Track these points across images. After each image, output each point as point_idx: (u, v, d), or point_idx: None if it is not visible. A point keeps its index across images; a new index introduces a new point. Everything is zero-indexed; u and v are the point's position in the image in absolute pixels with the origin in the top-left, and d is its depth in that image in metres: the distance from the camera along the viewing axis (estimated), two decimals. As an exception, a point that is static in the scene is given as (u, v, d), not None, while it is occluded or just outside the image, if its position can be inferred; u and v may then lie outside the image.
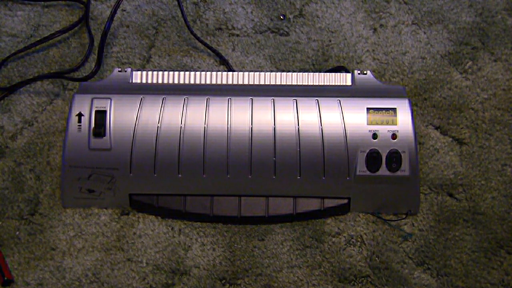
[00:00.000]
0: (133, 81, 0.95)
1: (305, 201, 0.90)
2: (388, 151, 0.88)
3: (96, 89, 0.93)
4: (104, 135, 0.89)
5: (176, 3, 1.08)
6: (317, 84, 0.95)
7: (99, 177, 0.89)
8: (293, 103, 0.91)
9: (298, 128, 0.89)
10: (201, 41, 1.06)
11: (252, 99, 0.91)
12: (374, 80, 0.95)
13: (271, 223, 0.90)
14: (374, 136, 0.89)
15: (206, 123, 0.89)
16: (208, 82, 0.95)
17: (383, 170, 0.88)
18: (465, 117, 0.99)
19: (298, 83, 0.95)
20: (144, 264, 0.86)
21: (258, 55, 1.07)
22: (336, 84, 0.95)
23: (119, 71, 0.96)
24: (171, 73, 0.95)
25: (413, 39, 1.08)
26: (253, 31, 1.09)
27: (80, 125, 0.89)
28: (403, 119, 0.89)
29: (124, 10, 1.12)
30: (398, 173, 0.88)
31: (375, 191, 0.89)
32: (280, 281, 0.85)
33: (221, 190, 0.90)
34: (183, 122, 0.89)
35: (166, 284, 0.85)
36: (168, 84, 0.95)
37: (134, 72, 0.95)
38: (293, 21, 1.10)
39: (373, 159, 0.88)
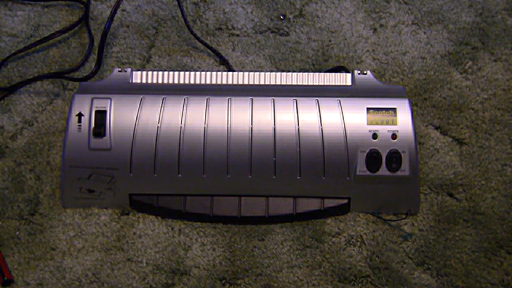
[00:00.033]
0: (133, 81, 0.95)
1: (305, 201, 0.90)
2: (388, 151, 0.88)
3: (96, 89, 0.93)
4: (104, 135, 0.89)
5: (176, 3, 1.08)
6: (317, 84, 0.95)
7: (99, 177, 0.89)
8: (293, 103, 0.91)
9: (298, 128, 0.89)
10: (201, 41, 1.06)
11: (252, 99, 0.91)
12: (374, 80, 0.95)
13: (271, 223, 0.90)
14: (374, 136, 0.89)
15: (206, 123, 0.89)
16: (208, 82, 0.95)
17: (383, 170, 0.88)
18: (465, 117, 0.99)
19: (298, 83, 0.95)
20: (144, 264, 0.86)
21: (258, 55, 1.07)
22: (336, 84, 0.95)
23: (119, 71, 0.96)
24: (171, 73, 0.95)
25: (413, 39, 1.08)
26: (253, 31, 1.09)
27: (80, 125, 0.89)
28: (403, 119, 0.89)
29: (124, 10, 1.12)
30: (398, 173, 0.88)
31: (375, 191, 0.89)
32: (280, 281, 0.85)
33: (221, 190, 0.90)
34: (183, 122, 0.89)
35: (166, 284, 0.85)
36: (168, 84, 0.95)
37: (134, 72, 0.95)
38: (293, 21, 1.10)
39: (373, 159, 0.88)
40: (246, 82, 0.95)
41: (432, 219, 0.90)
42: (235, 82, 0.95)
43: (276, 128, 0.89)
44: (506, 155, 0.96)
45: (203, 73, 0.95)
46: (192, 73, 0.95)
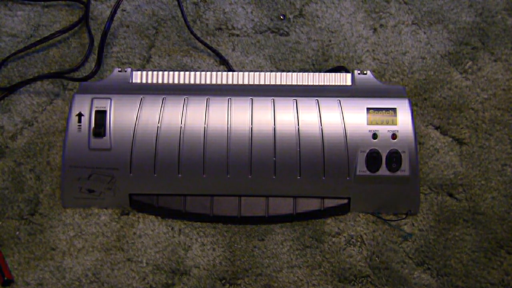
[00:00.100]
0: (133, 81, 0.95)
1: (305, 201, 0.90)
2: (388, 151, 0.88)
3: (96, 89, 0.93)
4: (104, 135, 0.89)
5: (176, 3, 1.08)
6: (317, 84, 0.95)
7: (99, 177, 0.89)
8: (293, 103, 0.91)
9: (298, 128, 0.89)
10: (201, 41, 1.06)
11: (252, 99, 0.91)
12: (374, 80, 0.95)
13: (271, 223, 0.90)
14: (374, 136, 0.89)
15: (206, 123, 0.89)
16: (208, 82, 0.95)
17: (383, 170, 0.88)
18: (465, 117, 0.99)
19: (298, 83, 0.95)
20: (144, 264, 0.86)
21: (258, 55, 1.07)
22: (336, 84, 0.95)
23: (119, 71, 0.96)
24: (171, 73, 0.95)
25: (413, 39, 1.08)
26: (253, 31, 1.09)
27: (80, 125, 0.89)
28: (403, 119, 0.89)
29: (124, 10, 1.12)
30: (398, 173, 0.88)
31: (375, 191, 0.89)
32: (280, 281, 0.85)
33: (221, 190, 0.90)
34: (183, 122, 0.89)
35: (166, 284, 0.85)
36: (168, 84, 0.95)
37: (134, 72, 0.95)
38: (293, 21, 1.10)
39: (373, 159, 0.88)
40: (246, 82, 0.95)
41: (432, 219, 0.90)
42: (235, 82, 0.95)
43: (276, 128, 0.89)
44: (506, 155, 0.96)
45: (203, 73, 0.95)
46: (192, 73, 0.95)
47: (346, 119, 0.89)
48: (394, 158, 0.88)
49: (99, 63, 1.02)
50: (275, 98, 0.91)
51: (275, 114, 0.90)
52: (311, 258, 0.87)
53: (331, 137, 0.89)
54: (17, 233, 0.89)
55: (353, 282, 0.85)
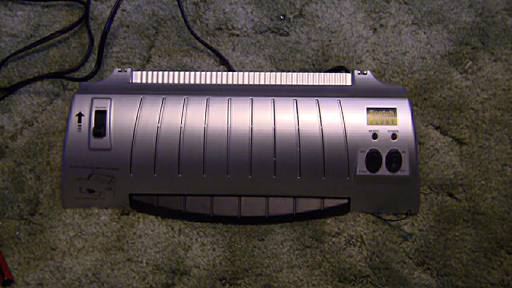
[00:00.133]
0: (133, 81, 0.95)
1: (305, 201, 0.90)
2: (388, 151, 0.88)
3: (96, 89, 0.93)
4: (104, 135, 0.89)
5: (176, 3, 1.08)
6: (317, 84, 0.95)
7: (99, 177, 0.89)
8: (293, 103, 0.91)
9: (298, 128, 0.89)
10: (201, 41, 1.06)
11: (252, 99, 0.91)
12: (374, 80, 0.95)
13: (271, 223, 0.90)
14: (374, 136, 0.89)
15: (206, 123, 0.89)
16: (208, 82, 0.95)
17: (383, 170, 0.88)
18: (465, 117, 0.99)
19: (298, 83, 0.95)
20: (144, 264, 0.86)
21: (258, 55, 1.07)
22: (336, 84, 0.95)
23: (119, 71, 0.96)
24: (171, 73, 0.95)
25: (413, 39, 1.08)
26: (253, 31, 1.09)
27: (80, 125, 0.89)
28: (403, 119, 0.89)
29: (124, 10, 1.12)
30: (398, 173, 0.88)
31: (375, 191, 0.89)
32: (280, 281, 0.85)
33: (221, 190, 0.90)
34: (183, 122, 0.89)
35: (166, 284, 0.85)
36: (168, 84, 0.95)
37: (134, 72, 0.95)
38: (293, 21, 1.10)
39: (373, 159, 0.88)
40: (246, 82, 0.95)
41: (432, 219, 0.90)
42: (235, 82, 0.95)
43: (276, 128, 0.89)
44: (506, 155, 0.96)
45: (203, 73, 0.95)
46: (192, 73, 0.95)
47: (346, 119, 0.89)
48: (394, 158, 0.88)
49: (99, 63, 1.02)
50: (275, 98, 0.91)
51: (275, 114, 0.90)
52: (311, 258, 0.87)
53: (331, 137, 0.89)
54: (17, 233, 0.89)
55: (353, 282, 0.85)
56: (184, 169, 0.89)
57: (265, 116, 0.90)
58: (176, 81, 0.95)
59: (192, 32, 1.06)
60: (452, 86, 1.02)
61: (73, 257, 0.87)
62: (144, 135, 0.89)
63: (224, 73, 0.95)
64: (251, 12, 1.11)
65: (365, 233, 0.89)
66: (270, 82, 0.95)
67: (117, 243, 0.88)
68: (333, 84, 0.95)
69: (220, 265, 0.86)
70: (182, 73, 0.95)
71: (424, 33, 1.09)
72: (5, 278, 0.84)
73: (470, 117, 0.99)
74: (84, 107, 0.90)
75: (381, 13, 1.11)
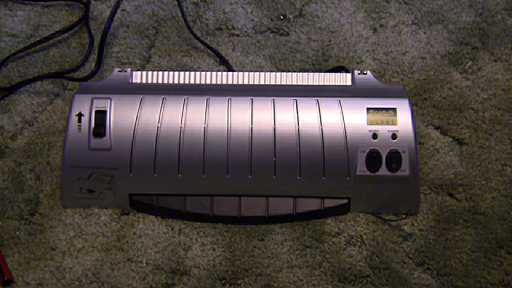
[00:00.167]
0: (133, 81, 0.95)
1: (305, 201, 0.90)
2: (388, 151, 0.88)
3: (96, 89, 0.93)
4: (104, 135, 0.89)
5: (176, 3, 1.08)
6: (317, 84, 0.95)
7: (99, 177, 0.89)
8: (293, 103, 0.91)
9: (298, 128, 0.89)
10: (201, 41, 1.06)
11: (252, 99, 0.91)
12: (374, 80, 0.95)
13: (271, 223, 0.90)
14: (374, 136, 0.89)
15: (206, 123, 0.89)
16: (208, 82, 0.95)
17: (383, 170, 0.88)
18: (465, 117, 0.99)
19: (298, 83, 0.95)
20: (144, 264, 0.86)
21: (258, 55, 1.07)
22: (336, 84, 0.95)
23: (119, 71, 0.96)
24: (171, 73, 0.95)
25: (413, 39, 1.08)
26: (253, 31, 1.09)
27: (80, 125, 0.89)
28: (403, 119, 0.89)
29: (124, 10, 1.12)
30: (398, 173, 0.88)
31: (375, 191, 0.89)
32: (280, 281, 0.85)
33: (221, 190, 0.90)
34: (183, 122, 0.89)
35: (166, 284, 0.85)
36: (168, 84, 0.95)
37: (134, 72, 0.95)
38: (293, 21, 1.10)
39: (373, 159, 0.88)
40: (246, 82, 0.95)
41: (432, 219, 0.90)
42: (235, 82, 0.95)
43: (276, 128, 0.89)
44: (506, 155, 0.96)
45: (203, 73, 0.95)
46: (192, 73, 0.95)
47: (346, 119, 0.89)
48: (394, 158, 0.88)
49: (99, 63, 1.02)
50: (275, 98, 0.91)
51: (275, 114, 0.90)
52: (311, 258, 0.87)
53: (331, 137, 0.89)
54: (17, 233, 0.89)
55: (353, 282, 0.85)
56: (184, 169, 0.89)
57: (265, 116, 0.90)
58: (176, 81, 0.95)
59: (192, 32, 1.06)
60: (452, 86, 1.02)
61: (73, 257, 0.87)
62: (144, 135, 0.89)
63: (224, 73, 0.95)
64: (251, 12, 1.11)
65: (365, 233, 0.89)
66: (270, 82, 0.95)
67: (117, 243, 0.88)
68: (333, 84, 0.95)
69: (220, 265, 0.86)
70: (182, 73, 0.95)
71: (424, 33, 1.09)
72: (5, 278, 0.84)
73: (470, 117, 0.99)
74: (84, 107, 0.90)
75: (381, 13, 1.11)
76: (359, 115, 0.90)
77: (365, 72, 0.95)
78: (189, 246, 0.88)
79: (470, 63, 1.05)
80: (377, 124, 0.89)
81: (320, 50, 1.07)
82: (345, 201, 0.90)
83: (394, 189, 0.89)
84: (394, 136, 0.89)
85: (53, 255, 0.87)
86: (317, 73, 0.96)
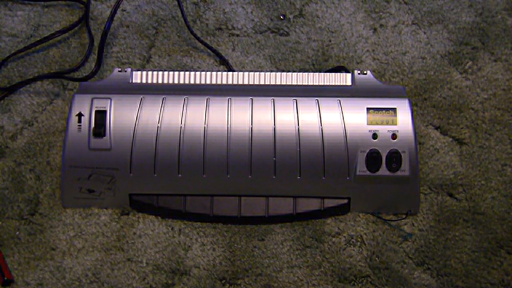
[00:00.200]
0: (133, 81, 0.95)
1: (305, 201, 0.90)
2: (388, 151, 0.88)
3: (96, 89, 0.93)
4: (104, 135, 0.89)
5: (176, 3, 1.08)
6: (317, 84, 0.95)
7: (99, 177, 0.89)
8: (293, 103, 0.91)
9: (298, 128, 0.89)
10: (201, 41, 1.06)
11: (252, 99, 0.91)
12: (374, 80, 0.95)
13: (271, 223, 0.90)
14: (374, 136, 0.89)
15: (206, 123, 0.89)
16: (208, 82, 0.95)
17: (383, 170, 0.88)
18: (465, 117, 0.99)
19: (298, 83, 0.95)
20: (144, 264, 0.86)
21: (258, 55, 1.07)
22: (336, 84, 0.95)
23: (119, 71, 0.96)
24: (171, 73, 0.95)
25: (413, 39, 1.08)
26: (253, 31, 1.09)
27: (80, 125, 0.89)
28: (403, 119, 0.89)
29: (124, 10, 1.12)
30: (398, 173, 0.88)
31: (375, 191, 0.89)
32: (280, 281, 0.85)
33: (221, 190, 0.90)
34: (183, 122, 0.89)
35: (166, 284, 0.85)
36: (168, 84, 0.95)
37: (134, 72, 0.95)
38: (293, 21, 1.10)
39: (373, 159, 0.88)
40: (246, 82, 0.95)
41: (432, 219, 0.90)
42: (235, 82, 0.95)
43: (276, 128, 0.89)
44: (506, 155, 0.96)
45: (203, 73, 0.95)
46: (192, 73, 0.95)
47: (346, 119, 0.89)
48: (394, 158, 0.88)
49: (99, 63, 1.02)
50: (275, 98, 0.91)
51: (275, 114, 0.90)
52: (311, 258, 0.87)
53: (331, 137, 0.89)
54: (17, 233, 0.89)
55: (353, 282, 0.85)
56: (184, 169, 0.89)
57: (265, 116, 0.90)
58: (176, 81, 0.95)
59: (192, 32, 1.06)
60: (452, 86, 1.02)
61: (73, 257, 0.87)
62: (144, 135, 0.89)
63: (224, 73, 0.95)
64: (251, 12, 1.11)
65: (365, 233, 0.89)
66: (270, 82, 0.95)
67: (117, 243, 0.88)
68: (333, 84, 0.95)
69: (220, 265, 0.86)
70: (182, 73, 0.95)
71: (424, 33, 1.09)
72: (5, 278, 0.84)
73: (470, 117, 0.99)
74: (84, 107, 0.90)
75: (381, 13, 1.11)
76: (359, 115, 0.90)
77: (365, 72, 0.95)
78: (189, 246, 0.88)
79: (470, 63, 1.05)
80: (377, 124, 0.89)
81: (320, 50, 1.07)
82: (345, 201, 0.90)
83: (394, 189, 0.89)
84: (394, 136, 0.89)
85: (53, 255, 0.87)
86: (317, 73, 0.96)
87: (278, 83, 0.95)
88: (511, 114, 1.00)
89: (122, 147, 0.88)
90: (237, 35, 1.09)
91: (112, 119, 0.89)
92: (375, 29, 1.09)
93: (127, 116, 0.89)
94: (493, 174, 0.94)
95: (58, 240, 0.88)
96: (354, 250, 0.88)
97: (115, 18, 1.06)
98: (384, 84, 0.95)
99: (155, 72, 0.95)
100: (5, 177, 0.94)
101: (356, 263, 0.87)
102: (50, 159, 0.95)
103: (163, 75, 0.95)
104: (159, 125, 0.89)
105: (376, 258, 0.87)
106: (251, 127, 0.89)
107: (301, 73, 0.96)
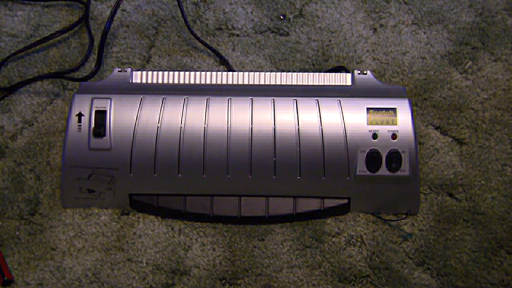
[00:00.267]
0: (133, 81, 0.95)
1: (305, 201, 0.90)
2: (388, 151, 0.88)
3: (96, 89, 0.93)
4: (104, 135, 0.89)
5: (176, 3, 1.08)
6: (317, 84, 0.95)
7: (99, 177, 0.89)
8: (293, 103, 0.91)
9: (298, 128, 0.89)
10: (201, 41, 1.06)
11: (252, 99, 0.91)
12: (374, 80, 0.95)
13: (271, 223, 0.90)
14: (374, 136, 0.89)
15: (206, 123, 0.89)
16: (208, 82, 0.95)
17: (383, 170, 0.88)
18: (465, 117, 0.99)
19: (298, 83, 0.95)
20: (144, 264, 0.86)
21: (258, 55, 1.07)
22: (336, 84, 0.95)
23: (119, 71, 0.96)
24: (171, 73, 0.95)
25: (413, 39, 1.08)
26: (253, 31, 1.09)
27: (80, 125, 0.89)
28: (403, 119, 0.89)
29: (124, 10, 1.12)
30: (398, 173, 0.88)
31: (375, 191, 0.89)
32: (280, 281, 0.85)
33: (221, 190, 0.90)
34: (183, 122, 0.89)
35: (166, 284, 0.85)
36: (168, 84, 0.95)
37: (134, 72, 0.95)
38: (293, 21, 1.10)
39: (373, 159, 0.88)
40: (246, 82, 0.95)
41: (432, 219, 0.90)
42: (235, 82, 0.95)
43: (276, 128, 0.89)
44: (506, 155, 0.96)
45: (203, 73, 0.95)
46: (192, 73, 0.95)
47: (346, 119, 0.89)
48: (394, 158, 0.88)
49: (99, 63, 1.02)
50: (275, 98, 0.91)
51: (275, 114, 0.90)
52: (311, 258, 0.87)
53: (331, 137, 0.89)
54: (17, 233, 0.89)
55: (353, 282, 0.85)
56: (184, 169, 0.89)
57: (265, 116, 0.90)
58: (176, 81, 0.95)
59: (192, 32, 1.06)
60: (452, 86, 1.02)
61: (73, 257, 0.87)
62: (144, 135, 0.89)
63: (224, 73, 0.95)
64: (251, 12, 1.11)
65: (365, 233, 0.89)
66: (270, 82, 0.95)
67: (117, 243, 0.88)
68: (333, 84, 0.95)
69: (220, 265, 0.86)
70: (182, 73, 0.95)
71: (424, 33, 1.09)
72: (5, 278, 0.84)
73: (470, 117, 0.99)
74: (84, 107, 0.90)
75: (381, 13, 1.11)
76: (359, 115, 0.90)
77: (365, 72, 0.95)
78: (189, 246, 0.88)
79: (470, 63, 1.05)
80: (377, 124, 0.89)
81: (320, 50, 1.07)
82: (345, 201, 0.90)
83: (394, 189, 0.89)
84: (394, 136, 0.89)
85: (53, 255, 0.87)
86: (317, 73, 0.96)
87: (278, 83, 0.95)
88: (511, 114, 1.00)
89: (122, 147, 0.88)
90: (237, 35, 1.09)
91: (112, 119, 0.89)
92: (375, 29, 1.09)
93: (127, 116, 0.89)
94: (493, 174, 0.94)
95: (58, 240, 0.88)
96: (354, 250, 0.88)
97: (115, 18, 1.06)
98: (384, 84, 0.95)
99: (155, 72, 0.95)
100: (5, 177, 0.94)
101: (356, 263, 0.87)
102: (50, 159, 0.95)
103: (163, 75, 0.95)
104: (159, 125, 0.89)
105: (376, 258, 0.87)
106: (251, 127, 0.89)
107: (301, 73, 0.96)
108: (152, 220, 0.90)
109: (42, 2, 1.12)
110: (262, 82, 0.95)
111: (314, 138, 0.89)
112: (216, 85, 0.95)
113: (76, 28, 1.09)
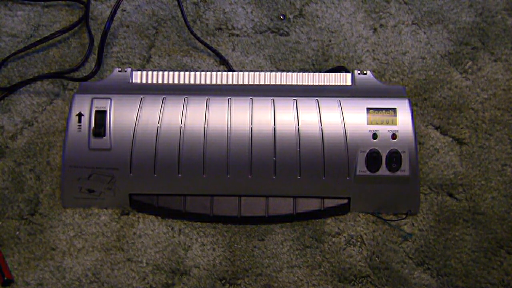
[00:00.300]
0: (133, 81, 0.95)
1: (305, 201, 0.90)
2: (388, 151, 0.88)
3: (96, 89, 0.93)
4: (104, 135, 0.89)
5: (176, 3, 1.08)
6: (317, 84, 0.95)
7: (99, 177, 0.89)
8: (293, 103, 0.91)
9: (298, 128, 0.89)
10: (201, 41, 1.06)
11: (252, 99, 0.91)
12: (374, 80, 0.95)
13: (271, 223, 0.90)
14: (374, 136, 0.89)
15: (206, 123, 0.89)
16: (208, 82, 0.95)
17: (383, 170, 0.88)
18: (465, 117, 0.99)
19: (298, 83, 0.95)
20: (144, 264, 0.86)
21: (258, 55, 1.07)
22: (336, 84, 0.95)
23: (119, 71, 0.96)
24: (171, 73, 0.95)
25: (413, 39, 1.08)
26: (253, 31, 1.09)
27: (80, 125, 0.89)
28: (403, 119, 0.89)
29: (124, 10, 1.12)
30: (398, 173, 0.88)
31: (375, 191, 0.89)
32: (280, 281, 0.85)
33: (221, 190, 0.90)
34: (183, 122, 0.89)
35: (166, 284, 0.85)
36: (168, 84, 0.95)
37: (134, 72, 0.95)
38: (293, 21, 1.10)
39: (373, 159, 0.88)
40: (246, 82, 0.95)
41: (432, 219, 0.90)
42: (235, 82, 0.95)
43: (276, 128, 0.89)
44: (506, 155, 0.96)
45: (203, 73, 0.95)
46: (192, 73, 0.95)
47: (346, 119, 0.89)
48: (394, 158, 0.88)
49: (99, 63, 1.02)
50: (275, 98, 0.91)
51: (275, 114, 0.90)
52: (311, 258, 0.87)
53: (331, 137, 0.89)
54: (17, 233, 0.89)
55: (353, 282, 0.85)
56: (184, 169, 0.89)
57: (265, 116, 0.90)
58: (176, 81, 0.95)
59: (192, 32, 1.06)
60: (452, 86, 1.03)
61: (73, 257, 0.87)
62: (144, 135, 0.89)
63: (224, 73, 0.95)
64: (251, 12, 1.11)
65: (365, 233, 0.89)
66: (270, 82, 0.95)
67: (117, 243, 0.88)
68: (333, 84, 0.95)
69: (220, 265, 0.86)
70: (182, 73, 0.95)
71: (424, 33, 1.09)
72: (5, 278, 0.84)
73: (470, 117, 0.99)
74: (84, 107, 0.90)
75: (381, 13, 1.11)
76: (359, 115, 0.90)
77: (365, 72, 0.95)
78: (189, 246, 0.88)
79: (470, 63, 1.05)
80: (377, 124, 0.89)
81: (320, 50, 1.07)
82: (345, 201, 0.90)
83: (394, 189, 0.89)
84: (394, 136, 0.89)
85: (53, 255, 0.87)
86: (317, 73, 0.96)
87: (278, 83, 0.95)
88: (511, 114, 1.00)
89: (122, 147, 0.88)
90: (237, 35, 1.09)
91: (112, 119, 0.89)
92: (375, 29, 1.09)
93: (127, 116, 0.89)
94: (493, 174, 0.94)
95: (58, 240, 0.88)
96: (354, 250, 0.88)
97: (115, 18, 1.06)
98: (384, 84, 0.95)
99: (155, 72, 0.95)
100: (5, 177, 0.94)
101: (356, 263, 0.87)
102: (50, 159, 0.95)
103: (163, 75, 0.95)
104: (159, 125, 0.89)
105: (376, 258, 0.87)
106: (251, 127, 0.89)
107: (301, 73, 0.96)
108: (152, 220, 0.90)
109: (42, 2, 1.12)
110: (262, 82, 0.95)
111: (314, 138, 0.89)
112: (216, 85, 0.95)
113: (76, 28, 1.09)
